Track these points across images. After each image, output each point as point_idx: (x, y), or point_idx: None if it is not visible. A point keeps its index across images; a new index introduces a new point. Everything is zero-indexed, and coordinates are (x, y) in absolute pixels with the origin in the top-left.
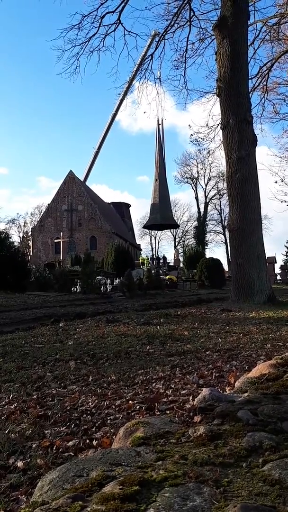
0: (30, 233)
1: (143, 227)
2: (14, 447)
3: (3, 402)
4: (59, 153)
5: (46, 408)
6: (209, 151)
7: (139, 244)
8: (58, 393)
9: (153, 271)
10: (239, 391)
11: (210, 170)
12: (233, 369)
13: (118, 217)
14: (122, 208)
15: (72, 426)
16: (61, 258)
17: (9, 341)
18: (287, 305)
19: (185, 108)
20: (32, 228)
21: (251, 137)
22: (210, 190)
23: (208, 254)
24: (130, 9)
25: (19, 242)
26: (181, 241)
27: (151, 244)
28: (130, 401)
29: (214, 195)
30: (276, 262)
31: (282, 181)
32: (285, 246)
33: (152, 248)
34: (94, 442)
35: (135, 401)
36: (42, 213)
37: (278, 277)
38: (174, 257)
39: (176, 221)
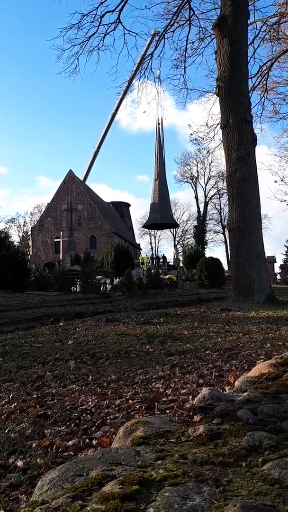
0: (29, 233)
1: (142, 227)
2: (14, 446)
3: (3, 402)
4: (58, 152)
5: (46, 407)
6: (208, 150)
7: (139, 244)
8: (58, 393)
9: (152, 271)
10: (239, 390)
11: (210, 169)
12: (233, 369)
13: (117, 217)
14: (122, 208)
15: (72, 426)
16: (60, 257)
17: (9, 340)
18: (287, 304)
19: (184, 107)
20: (31, 227)
21: (251, 137)
22: (209, 190)
23: (208, 253)
24: (130, 8)
25: (18, 242)
26: (180, 240)
27: (150, 243)
28: (129, 401)
29: (214, 194)
30: (275, 262)
31: (281, 180)
32: (285, 246)
33: (151, 248)
34: (94, 442)
35: (134, 401)
36: (41, 213)
37: (278, 277)
38: (174, 256)
39: (176, 220)
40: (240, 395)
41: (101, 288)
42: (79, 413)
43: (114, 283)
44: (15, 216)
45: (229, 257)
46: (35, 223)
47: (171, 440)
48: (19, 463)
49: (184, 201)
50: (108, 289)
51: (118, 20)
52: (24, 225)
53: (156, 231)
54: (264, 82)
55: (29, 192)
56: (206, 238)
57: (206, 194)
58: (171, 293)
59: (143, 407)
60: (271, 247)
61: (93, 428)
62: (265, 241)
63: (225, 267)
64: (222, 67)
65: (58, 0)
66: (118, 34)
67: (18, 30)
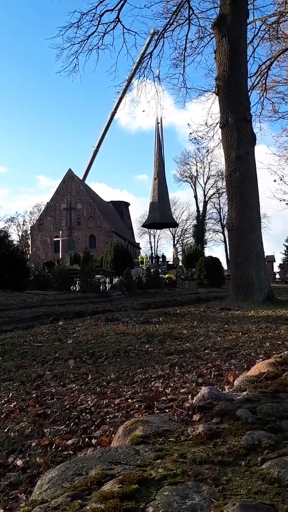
0: (29, 232)
1: (142, 226)
2: (14, 445)
3: (3, 401)
4: (58, 151)
5: (45, 406)
6: (208, 149)
7: (138, 243)
8: (57, 392)
9: (152, 270)
10: (238, 389)
11: (209, 168)
12: (232, 368)
13: (117, 216)
14: (121, 207)
15: (71, 425)
16: (60, 256)
17: (8, 339)
18: (286, 303)
19: (184, 106)
20: (31, 226)
21: (250, 136)
22: (209, 189)
23: (207, 252)
24: (129, 7)
25: (18, 241)
26: (180, 239)
27: (150, 242)
28: (129, 400)
29: (213, 193)
30: (275, 261)
31: (281, 179)
32: (284, 245)
33: (151, 247)
34: (93, 441)
35: (134, 400)
36: (41, 212)
37: (277, 276)
38: (173, 255)
39: (175, 219)
40: (239, 394)
41: (101, 287)
42: (79, 412)
43: (113, 282)
44: (15, 215)
45: (229, 256)
46: (35, 222)
47: (170, 439)
48: (19, 462)
49: (183, 200)
50: (107, 288)
51: (117, 19)
52: (23, 224)
53: (155, 230)
54: (264, 81)
55: (29, 191)
56: (206, 238)
57: (206, 193)
58: (170, 292)
59: (143, 406)
60: (270, 246)
61: (93, 427)
62: (264, 240)
63: (225, 266)
64: (222, 66)
65: None
66: (117, 33)
67: (17, 29)
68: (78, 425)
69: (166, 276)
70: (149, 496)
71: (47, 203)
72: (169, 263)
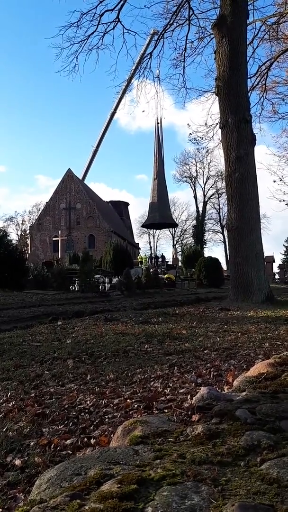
0: (28, 231)
1: (141, 226)
2: (12, 445)
3: (1, 400)
4: (57, 151)
5: (44, 406)
6: (208, 150)
7: (138, 243)
8: (56, 392)
9: (151, 270)
10: (237, 390)
11: (209, 169)
12: (231, 368)
13: (116, 216)
14: (121, 207)
15: (70, 425)
16: (59, 256)
17: (7, 339)
18: (285, 304)
19: (184, 107)
20: (30, 226)
21: (250, 136)
22: (208, 189)
23: (207, 253)
24: (129, 7)
25: (17, 240)
26: (179, 240)
27: (149, 243)
28: (128, 400)
29: (213, 194)
30: (274, 261)
31: (280, 180)
32: (284, 245)
33: (150, 247)
34: (92, 441)
35: (133, 400)
36: (40, 211)
37: (277, 276)
38: (173, 256)
39: (175, 220)
40: (238, 394)
41: (100, 287)
42: (77, 412)
43: (112, 282)
44: (14, 215)
45: (228, 256)
46: (34, 221)
47: (169, 439)
48: (17, 462)
49: (183, 200)
50: (106, 288)
51: (117, 19)
52: (22, 224)
53: (155, 230)
54: (263, 82)
55: (28, 191)
56: (205, 238)
57: (205, 193)
58: (169, 292)
59: (142, 406)
60: (270, 247)
61: (91, 427)
62: (263, 241)
63: (224, 266)
64: (222, 67)
65: None
66: (117, 33)
67: (17, 29)
68: (77, 425)
69: (166, 276)
70: (148, 496)
71: (47, 202)
72: (169, 263)
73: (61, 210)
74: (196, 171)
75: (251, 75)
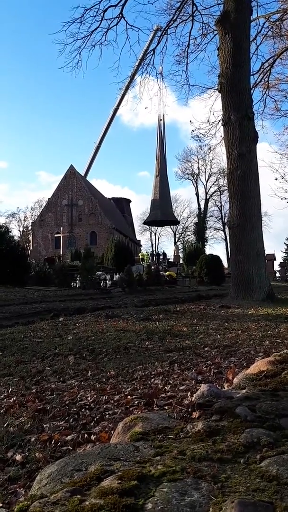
0: (30, 228)
1: (143, 223)
2: (13, 440)
3: (2, 396)
4: (59, 147)
5: (45, 402)
6: (210, 147)
7: (139, 240)
8: (57, 388)
9: (152, 267)
10: (238, 387)
11: (211, 166)
12: (232, 366)
13: (118, 213)
14: (123, 204)
15: (71, 421)
16: (61, 253)
17: (8, 335)
18: (286, 302)
19: (186, 103)
20: (32, 222)
21: (252, 134)
22: (210, 187)
23: (208, 250)
24: (133, 3)
25: (19, 237)
26: (181, 237)
27: (151, 240)
28: (128, 396)
29: (215, 191)
30: (275, 259)
31: (282, 178)
32: (285, 244)
33: (152, 244)
34: (93, 437)
35: (133, 396)
36: (42, 208)
37: (277, 275)
38: (174, 253)
39: (177, 217)
40: (238, 392)
41: (101, 284)
42: (78, 408)
43: (114, 279)
44: (16, 211)
45: (229, 254)
46: (36, 218)
47: (169, 436)
48: (18, 457)
49: (184, 197)
50: (108, 285)
51: (120, 15)
52: (24, 220)
53: (156, 227)
54: (266, 79)
55: (30, 187)
56: (207, 235)
57: (207, 191)
58: (170, 289)
59: (142, 403)
60: (271, 245)
61: (92, 423)
62: (265, 239)
63: (225, 264)
64: (225, 64)
65: None
66: (120, 29)
67: (19, 24)
68: (77, 421)
69: (167, 273)
70: (148, 493)
71: (49, 199)
72: (170, 260)
73: (63, 206)
74: (198, 168)
75: (254, 72)
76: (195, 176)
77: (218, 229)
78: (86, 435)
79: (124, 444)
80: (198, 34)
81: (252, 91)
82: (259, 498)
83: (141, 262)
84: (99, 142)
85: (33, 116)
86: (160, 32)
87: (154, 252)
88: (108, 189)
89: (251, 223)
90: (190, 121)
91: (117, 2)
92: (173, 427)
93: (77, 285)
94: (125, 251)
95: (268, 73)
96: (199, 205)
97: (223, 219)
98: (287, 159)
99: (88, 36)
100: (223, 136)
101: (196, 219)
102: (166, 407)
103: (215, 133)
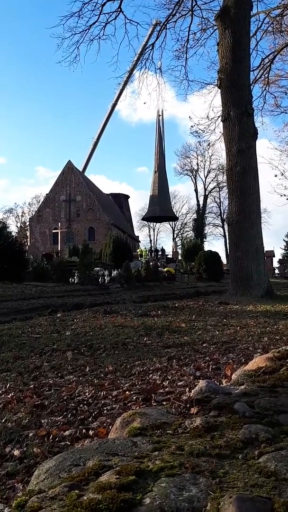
0: (28, 223)
1: (142, 219)
2: (11, 435)
3: (0, 391)
4: (57, 143)
5: (43, 397)
6: (209, 143)
7: (138, 236)
8: (55, 383)
9: (151, 263)
10: (236, 383)
11: (210, 162)
12: (230, 362)
13: (116, 208)
14: (121, 199)
15: (69, 416)
16: (59, 248)
17: (6, 331)
18: (285, 299)
19: (185, 99)
20: (30, 218)
21: (252, 130)
22: (209, 183)
23: (207, 247)
24: None
25: (16, 232)
26: (179, 233)
27: (149, 236)
28: (127, 392)
29: (214, 187)
30: (274, 256)
31: (282, 174)
32: (284, 240)
33: (150, 240)
34: (91, 432)
35: (132, 392)
36: (40, 203)
37: (276, 271)
38: (173, 249)
39: (175, 213)
40: (237, 388)
41: (99, 279)
42: (76, 403)
43: (112, 275)
44: (13, 207)
45: (228, 250)
46: (34, 213)
47: (168, 431)
48: (16, 452)
49: (183, 193)
50: (106, 281)
51: (119, 9)
52: (22, 216)
53: (155, 223)
54: (266, 75)
55: (28, 183)
56: (205, 232)
57: (206, 187)
58: (169, 286)
59: (140, 398)
60: (270, 241)
61: (90, 419)
62: (264, 235)
63: (224, 260)
64: (224, 59)
65: None
66: (119, 24)
67: (17, 20)
68: (75, 416)
69: (165, 269)
70: (146, 488)
71: (46, 194)
72: (169, 256)
73: (61, 202)
74: (197, 164)
75: (254, 68)
76: (194, 172)
77: (217, 226)
78: (84, 431)
79: (122, 440)
80: (197, 29)
81: (252, 87)
82: (257, 494)
83: (139, 258)
84: (97, 138)
85: (31, 112)
86: (159, 27)
87: (152, 248)
88: (107, 184)
89: (250, 220)
90: (189, 116)
91: None
92: (171, 423)
93: (75, 281)
94: (124, 247)
95: (268, 69)
96: (198, 201)
97: (222, 215)
98: (287, 155)
99: (86, 30)
100: (222, 132)
101: (195, 215)
102: (164, 403)
103: (214, 129)
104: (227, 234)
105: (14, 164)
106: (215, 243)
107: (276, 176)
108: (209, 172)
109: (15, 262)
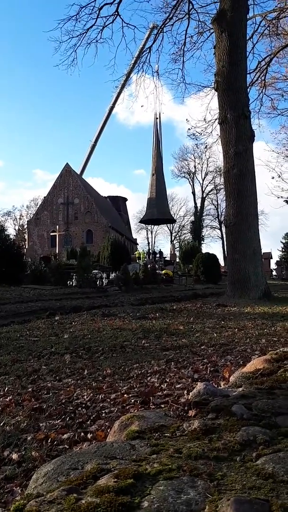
0: (25, 226)
1: (139, 222)
2: (9, 439)
3: None
4: (55, 146)
5: (41, 401)
6: (206, 145)
7: (136, 239)
8: (53, 386)
9: (149, 266)
10: (234, 385)
11: (208, 165)
12: (228, 364)
13: (114, 211)
14: (119, 202)
15: (67, 419)
16: (57, 251)
17: (4, 334)
18: (282, 300)
19: (183, 102)
20: (27, 221)
21: (249, 132)
22: (207, 185)
23: (204, 249)
24: (129, 0)
25: (14, 235)
26: (177, 236)
27: (147, 238)
28: (125, 395)
29: (211, 190)
30: (271, 258)
31: (279, 176)
32: (281, 242)
33: (148, 243)
34: (89, 435)
35: (130, 395)
36: (38, 206)
37: (274, 273)
38: (171, 251)
39: (173, 215)
40: (235, 390)
41: (98, 282)
42: (74, 406)
43: (110, 277)
44: (11, 209)
45: (226, 253)
46: (31, 216)
47: (166, 434)
48: (14, 456)
49: (181, 196)
50: (104, 284)
51: (116, 13)
52: (20, 218)
53: (153, 226)
54: (263, 78)
55: (25, 185)
56: (203, 234)
57: (203, 189)
58: (167, 288)
59: (138, 401)
60: (268, 243)
61: (88, 422)
62: (261, 237)
63: (222, 262)
64: (221, 62)
65: None
66: (116, 27)
67: (15, 23)
68: (73, 419)
69: (163, 272)
70: (144, 491)
71: (44, 197)
72: (166, 259)
73: (59, 205)
74: (195, 166)
75: (251, 71)
76: (192, 174)
77: (215, 228)
78: (82, 434)
79: (120, 443)
80: (194, 32)
81: (248, 89)
82: (255, 496)
83: (137, 261)
84: (95, 140)
85: (29, 115)
86: (156, 30)
87: (150, 251)
88: (104, 187)
89: (247, 222)
90: (187, 119)
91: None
92: (170, 426)
93: (73, 284)
94: (122, 249)
95: (264, 71)
96: (195, 203)
97: (220, 217)
98: (284, 157)
99: (83, 33)
100: (219, 134)
101: (192, 218)
102: (163, 406)
103: (211, 132)
104: (224, 236)
105: (12, 167)
106: (213, 245)
107: (273, 178)
108: (206, 174)
109: (13, 265)
